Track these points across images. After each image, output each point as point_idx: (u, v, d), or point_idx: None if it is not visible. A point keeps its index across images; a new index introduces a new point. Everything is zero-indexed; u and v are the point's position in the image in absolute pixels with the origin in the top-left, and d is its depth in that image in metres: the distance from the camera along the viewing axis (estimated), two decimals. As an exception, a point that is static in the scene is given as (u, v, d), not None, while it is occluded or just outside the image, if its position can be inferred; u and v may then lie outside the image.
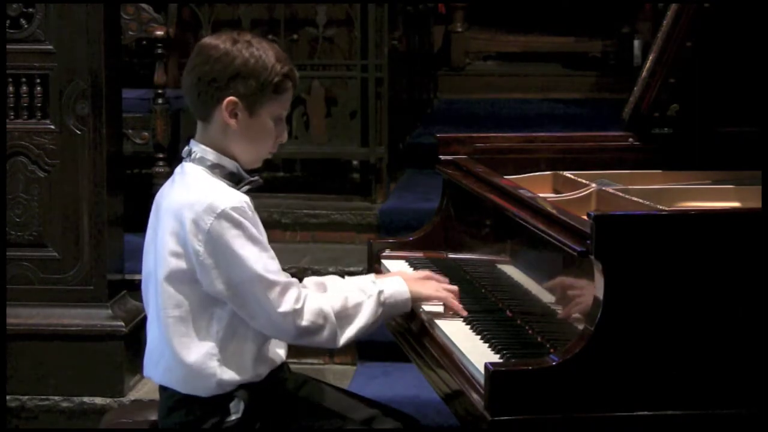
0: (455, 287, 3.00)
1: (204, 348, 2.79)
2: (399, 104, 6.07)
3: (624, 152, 3.53)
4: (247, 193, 2.86)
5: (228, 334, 2.80)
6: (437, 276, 3.08)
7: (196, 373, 2.80)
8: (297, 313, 2.75)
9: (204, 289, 2.77)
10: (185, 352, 2.79)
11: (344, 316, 2.82)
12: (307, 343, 2.82)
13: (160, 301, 2.81)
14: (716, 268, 2.49)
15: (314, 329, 2.78)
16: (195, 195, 2.77)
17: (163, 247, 2.80)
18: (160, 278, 2.80)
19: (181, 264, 2.77)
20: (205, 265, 2.74)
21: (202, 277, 2.75)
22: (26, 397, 4.57)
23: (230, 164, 2.84)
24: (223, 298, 2.76)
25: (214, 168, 2.83)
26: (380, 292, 2.88)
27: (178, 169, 2.89)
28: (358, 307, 2.84)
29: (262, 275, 2.73)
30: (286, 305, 2.74)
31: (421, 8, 7.16)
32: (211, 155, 2.83)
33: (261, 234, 2.79)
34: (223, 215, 2.72)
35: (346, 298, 2.85)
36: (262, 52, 2.82)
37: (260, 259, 2.74)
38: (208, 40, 2.87)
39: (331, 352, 4.88)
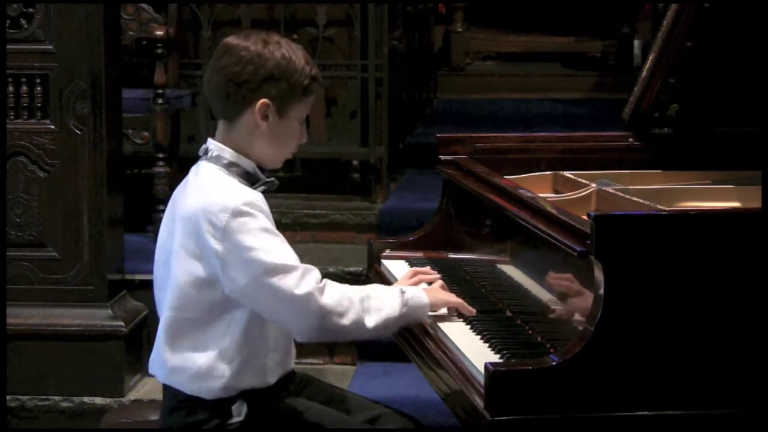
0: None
1: (216, 351, 2.78)
2: (399, 104, 6.07)
3: (624, 152, 3.53)
4: (264, 187, 2.86)
5: (242, 340, 2.78)
6: (425, 270, 3.12)
7: (204, 376, 2.79)
8: (320, 291, 2.72)
9: (224, 291, 2.75)
10: (196, 354, 2.78)
11: (368, 303, 2.79)
12: (333, 328, 2.75)
13: (175, 303, 2.80)
14: (716, 268, 2.49)
15: (339, 311, 2.73)
16: (209, 196, 2.76)
17: (180, 250, 2.78)
18: (177, 280, 2.79)
19: (198, 267, 2.75)
20: (225, 263, 2.72)
21: (223, 276, 2.73)
22: (26, 397, 4.57)
23: (247, 164, 2.84)
24: (244, 298, 2.74)
25: (231, 166, 2.82)
26: (403, 291, 2.86)
27: (193, 169, 2.88)
28: (381, 298, 2.82)
29: (281, 263, 2.71)
30: (307, 286, 2.71)
31: (421, 8, 7.16)
32: (228, 154, 2.83)
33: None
34: (237, 212, 2.71)
35: (368, 288, 2.83)
36: (293, 53, 2.82)
37: (277, 248, 2.73)
38: (237, 41, 2.84)
39: (331, 352, 4.88)
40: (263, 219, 2.74)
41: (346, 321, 2.75)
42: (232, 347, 2.78)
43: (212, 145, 2.86)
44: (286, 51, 2.81)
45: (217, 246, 2.72)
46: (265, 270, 2.71)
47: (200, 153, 2.89)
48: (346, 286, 2.81)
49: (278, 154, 2.89)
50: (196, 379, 2.80)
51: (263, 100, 2.79)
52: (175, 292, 2.80)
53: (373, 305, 2.80)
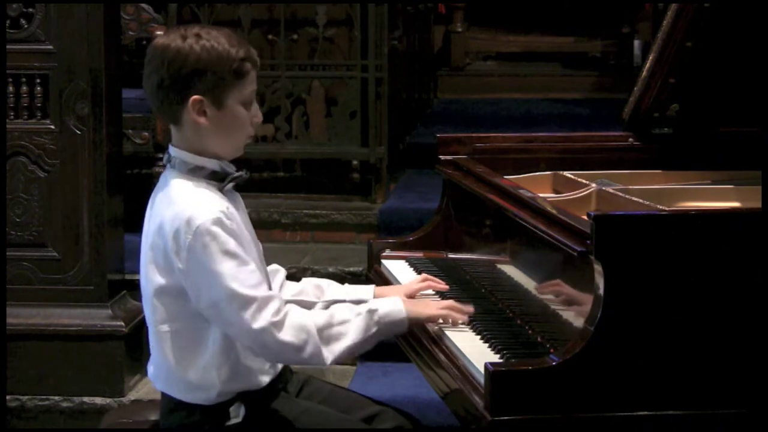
0: (450, 302, 2.94)
1: (202, 362, 2.75)
2: (399, 104, 6.07)
3: (624, 152, 3.53)
4: (240, 190, 2.82)
5: (225, 347, 2.75)
6: (434, 280, 3.08)
7: (196, 386, 2.77)
8: (276, 325, 2.67)
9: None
10: (183, 366, 2.76)
11: (329, 333, 2.73)
12: (293, 360, 2.75)
13: (152, 316, 2.78)
14: (716, 268, 2.49)
15: (296, 345, 2.68)
16: (175, 208, 2.70)
17: (150, 263, 2.75)
18: (149, 293, 2.77)
19: (168, 279, 2.72)
20: (188, 284, 2.69)
21: (189, 293, 2.70)
22: (26, 397, 4.57)
23: (210, 164, 2.77)
24: (208, 317, 2.72)
25: (195, 171, 2.76)
26: (373, 311, 2.79)
27: (161, 179, 2.82)
28: (344, 324, 2.75)
29: (239, 292, 2.65)
30: (264, 320, 2.66)
31: (421, 8, 7.16)
32: (188, 158, 2.76)
33: (242, 244, 2.71)
34: (200, 231, 2.65)
35: (332, 315, 2.76)
36: (214, 41, 2.72)
37: (238, 274, 2.66)
38: (159, 40, 2.76)
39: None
40: (226, 239, 2.67)
41: (304, 354, 2.70)
42: (216, 356, 2.75)
43: (173, 151, 2.79)
44: (206, 41, 2.71)
45: (180, 265, 2.68)
46: (223, 297, 2.66)
47: (164, 161, 2.83)
48: (307, 315, 2.74)
49: (232, 143, 2.79)
50: (190, 390, 2.78)
51: (194, 96, 2.72)
52: (153, 305, 2.77)
53: (334, 333, 2.73)
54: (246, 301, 2.66)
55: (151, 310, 2.78)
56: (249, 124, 2.79)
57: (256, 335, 2.67)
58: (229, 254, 2.67)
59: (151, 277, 2.75)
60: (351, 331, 2.75)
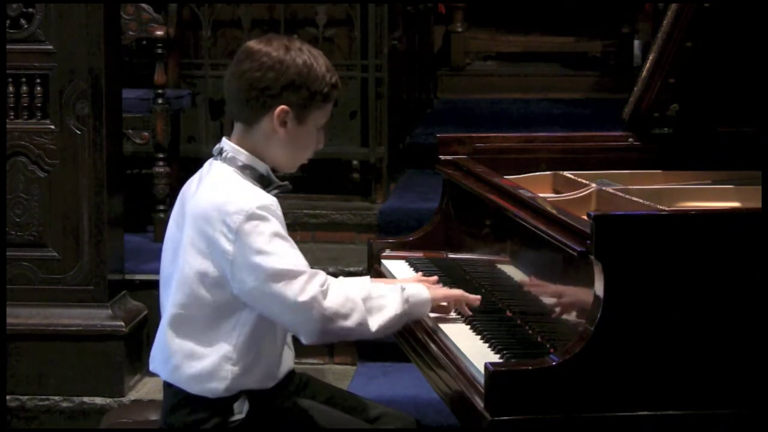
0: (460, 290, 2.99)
1: (221, 351, 2.77)
2: (399, 104, 6.07)
3: (624, 152, 3.53)
4: (277, 191, 2.86)
5: (248, 342, 2.78)
6: (422, 279, 3.09)
7: (208, 376, 2.78)
8: (323, 294, 2.72)
9: (233, 292, 2.74)
10: (201, 354, 2.78)
11: (371, 304, 2.78)
12: (338, 330, 2.76)
13: (182, 300, 2.79)
14: (716, 268, 2.49)
15: (342, 313, 2.73)
16: (224, 195, 2.75)
17: (189, 247, 2.77)
18: (185, 278, 2.78)
19: (208, 265, 2.75)
20: (234, 264, 2.71)
21: (232, 277, 2.73)
22: (26, 397, 4.57)
23: (262, 167, 2.83)
24: (250, 301, 2.74)
25: (245, 169, 2.82)
26: (403, 289, 2.85)
27: (205, 167, 2.87)
28: (383, 297, 2.81)
29: (287, 269, 2.71)
30: (311, 291, 2.71)
31: (421, 8, 7.16)
32: (243, 156, 2.82)
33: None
34: (252, 214, 2.71)
35: (370, 289, 2.82)
36: (314, 60, 2.82)
37: (287, 254, 2.73)
38: (259, 45, 2.82)
39: (330, 352, 4.88)
40: (276, 223, 2.74)
41: (350, 323, 2.75)
42: (237, 349, 2.78)
43: (227, 146, 2.85)
44: (308, 58, 2.81)
45: (228, 246, 2.71)
46: (271, 274, 2.70)
47: (214, 152, 2.88)
48: (348, 286, 2.81)
49: (294, 159, 2.88)
50: (200, 380, 2.79)
51: (282, 106, 2.79)
52: (182, 290, 2.79)
53: (375, 305, 2.79)
54: (294, 275, 2.71)
55: (183, 294, 2.79)
56: (314, 147, 2.89)
57: (305, 307, 2.71)
58: (279, 236, 2.74)
59: (191, 261, 2.77)
60: (390, 304, 2.81)
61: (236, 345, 2.78)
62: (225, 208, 2.73)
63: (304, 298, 2.70)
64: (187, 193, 2.87)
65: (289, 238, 2.77)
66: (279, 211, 2.78)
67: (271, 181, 2.85)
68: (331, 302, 2.73)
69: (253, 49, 2.82)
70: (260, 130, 2.82)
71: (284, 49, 2.80)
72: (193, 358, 2.79)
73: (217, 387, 2.78)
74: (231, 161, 2.82)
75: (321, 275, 2.76)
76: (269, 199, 2.77)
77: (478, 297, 2.94)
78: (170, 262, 2.86)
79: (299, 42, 2.85)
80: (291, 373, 2.97)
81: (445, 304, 2.95)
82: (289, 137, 2.82)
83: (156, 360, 2.89)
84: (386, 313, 2.80)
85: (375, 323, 2.78)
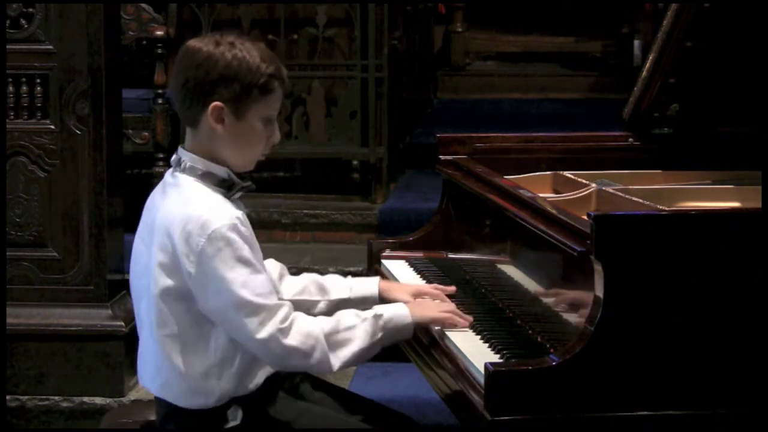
0: (452, 305, 2.93)
1: (204, 366, 2.75)
2: (399, 104, 6.07)
3: (624, 152, 3.53)
4: (241, 192, 2.81)
5: (229, 351, 2.75)
6: (438, 289, 3.06)
7: (196, 391, 2.76)
8: (283, 332, 2.67)
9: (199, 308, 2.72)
10: (184, 370, 2.75)
11: (336, 339, 2.73)
12: (300, 366, 2.75)
13: (155, 319, 2.76)
14: (716, 268, 2.49)
15: (302, 351, 2.69)
16: (188, 210, 2.69)
17: (155, 264, 2.73)
18: (154, 294, 2.74)
19: (175, 281, 2.71)
20: (197, 287, 2.68)
21: (196, 296, 2.70)
22: (26, 397, 4.56)
23: (220, 171, 2.77)
24: (214, 319, 2.71)
25: (205, 177, 2.76)
26: (379, 316, 2.79)
27: (169, 179, 2.81)
28: (351, 330, 2.75)
29: (249, 300, 2.66)
30: (270, 328, 2.66)
31: (421, 8, 7.16)
32: (200, 164, 2.76)
33: (254, 251, 2.72)
34: (214, 236, 2.65)
35: (338, 321, 2.76)
36: (246, 52, 2.73)
37: (249, 282, 2.66)
38: (192, 43, 2.77)
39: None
40: (240, 245, 2.67)
41: (311, 361, 2.72)
42: (220, 362, 2.75)
43: (185, 155, 2.79)
44: (239, 51, 2.72)
45: (190, 268, 2.67)
46: (232, 304, 2.66)
47: (172, 162, 2.82)
48: (314, 322, 2.74)
49: (245, 156, 2.79)
50: (189, 395, 2.77)
51: (215, 102, 2.72)
52: (153, 306, 2.75)
53: (340, 338, 2.74)
54: (255, 309, 2.66)
55: (154, 312, 2.76)
56: (265, 141, 2.80)
57: (263, 343, 2.67)
58: (243, 261, 2.67)
59: (156, 278, 2.73)
60: (357, 337, 2.76)
61: (217, 357, 2.74)
62: (188, 226, 2.67)
63: (262, 335, 2.66)
64: (152, 207, 2.82)
65: (253, 261, 2.69)
66: (245, 226, 2.71)
67: (233, 183, 2.79)
68: (292, 339, 2.68)
69: (186, 48, 2.78)
70: (203, 131, 2.76)
71: (214, 44, 2.73)
72: (179, 375, 2.76)
73: (206, 400, 2.77)
74: (191, 171, 2.77)
75: (283, 309, 2.70)
76: (233, 215, 2.69)
77: (470, 318, 2.87)
78: (140, 277, 2.82)
79: (234, 36, 2.77)
80: (281, 375, 2.93)
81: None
82: (229, 134, 2.75)
83: (144, 376, 2.88)
84: (352, 347, 2.75)
85: (337, 360, 2.74)
